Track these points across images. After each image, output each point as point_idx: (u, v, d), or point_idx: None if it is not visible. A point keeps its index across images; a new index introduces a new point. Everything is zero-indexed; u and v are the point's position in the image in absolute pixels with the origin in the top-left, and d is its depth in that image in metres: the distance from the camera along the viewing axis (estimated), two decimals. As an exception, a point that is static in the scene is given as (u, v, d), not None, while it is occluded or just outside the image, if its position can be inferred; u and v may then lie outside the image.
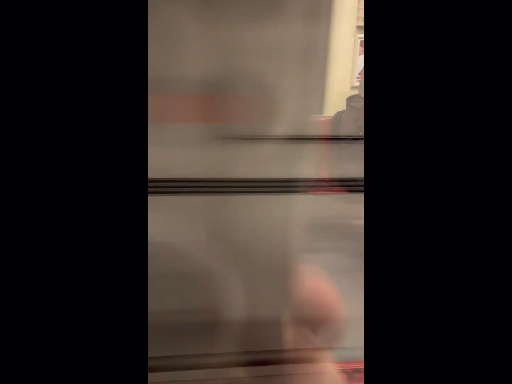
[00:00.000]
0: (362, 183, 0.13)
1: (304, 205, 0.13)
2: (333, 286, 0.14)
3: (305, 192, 0.13)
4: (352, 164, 1.87)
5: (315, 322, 0.14)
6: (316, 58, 0.12)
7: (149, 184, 0.12)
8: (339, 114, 2.07)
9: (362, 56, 2.27)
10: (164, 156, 0.12)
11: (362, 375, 0.12)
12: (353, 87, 2.20)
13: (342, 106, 2.06)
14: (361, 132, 1.83)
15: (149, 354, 0.12)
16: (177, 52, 0.12)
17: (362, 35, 2.22)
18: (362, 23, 2.17)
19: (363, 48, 2.26)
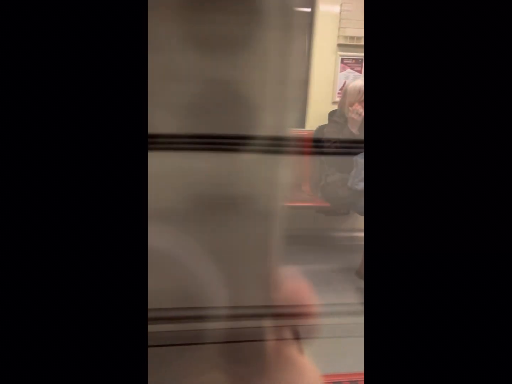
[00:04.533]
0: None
1: (284, 217, 0.13)
2: (311, 290, 0.15)
3: (285, 203, 0.13)
4: (334, 176, 1.89)
5: (294, 318, 0.14)
6: (297, 74, 0.13)
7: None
8: (321, 128, 2.11)
9: (343, 73, 2.33)
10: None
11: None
12: (334, 102, 2.25)
13: (324, 121, 2.11)
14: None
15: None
16: (167, 74, 0.12)
17: (343, 53, 2.29)
18: (343, 41, 2.24)
19: (343, 65, 2.33)
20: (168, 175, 0.13)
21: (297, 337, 0.14)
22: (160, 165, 0.12)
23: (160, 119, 0.12)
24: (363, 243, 0.12)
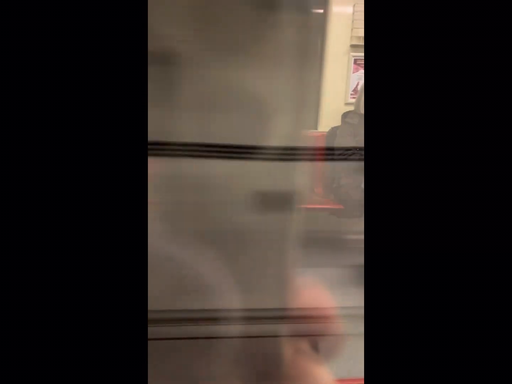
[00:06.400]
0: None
1: (298, 219, 0.13)
2: (330, 296, 0.14)
3: (299, 206, 0.13)
4: (347, 178, 1.88)
5: (313, 333, 0.14)
6: (310, 76, 0.13)
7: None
8: (334, 129, 2.10)
9: (356, 74, 2.31)
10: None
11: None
12: (347, 104, 2.24)
13: (337, 122, 2.09)
14: (358, 147, 1.85)
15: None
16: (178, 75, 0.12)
17: (356, 54, 2.27)
18: (356, 42, 2.22)
19: (356, 66, 2.31)
20: (180, 180, 0.13)
21: (315, 347, 0.14)
22: (172, 170, 0.12)
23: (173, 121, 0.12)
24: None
